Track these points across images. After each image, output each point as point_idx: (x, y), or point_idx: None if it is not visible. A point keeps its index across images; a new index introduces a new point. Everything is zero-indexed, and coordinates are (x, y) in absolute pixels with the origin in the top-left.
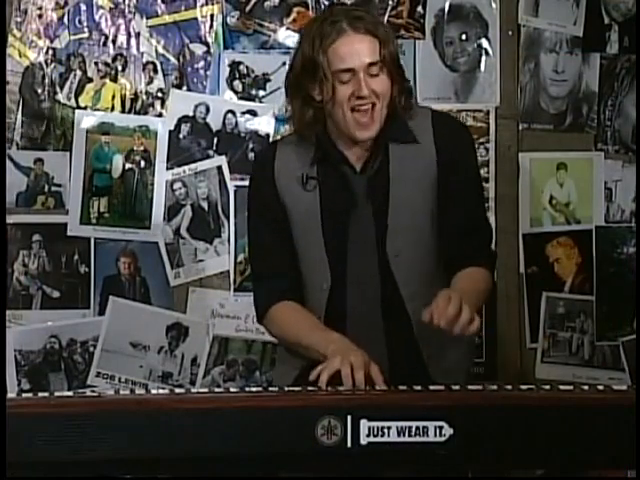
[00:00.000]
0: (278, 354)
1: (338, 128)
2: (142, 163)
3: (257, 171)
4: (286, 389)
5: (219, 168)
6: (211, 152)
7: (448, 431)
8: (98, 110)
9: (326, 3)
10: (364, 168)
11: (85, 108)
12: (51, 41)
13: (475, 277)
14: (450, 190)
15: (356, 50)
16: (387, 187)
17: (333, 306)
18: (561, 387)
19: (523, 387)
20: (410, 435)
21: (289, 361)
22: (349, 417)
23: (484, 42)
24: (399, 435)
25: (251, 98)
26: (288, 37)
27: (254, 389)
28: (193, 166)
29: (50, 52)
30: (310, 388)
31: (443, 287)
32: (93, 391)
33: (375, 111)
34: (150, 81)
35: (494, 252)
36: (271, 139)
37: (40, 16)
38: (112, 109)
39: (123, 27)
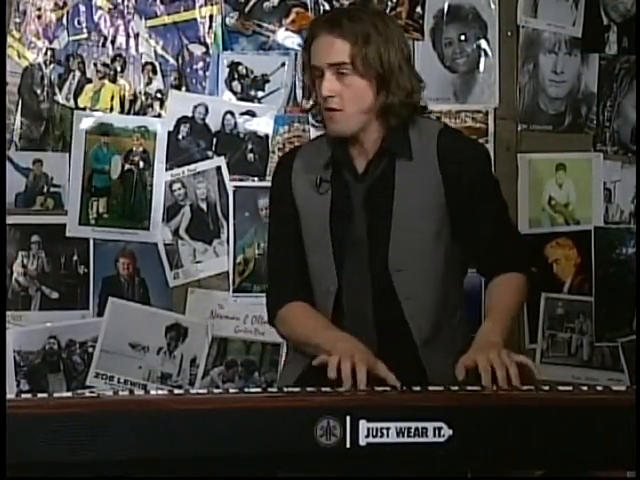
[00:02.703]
0: (285, 356)
1: None
2: (141, 164)
3: (276, 175)
4: (285, 390)
5: (218, 169)
6: (210, 153)
7: (447, 432)
8: (97, 111)
9: (325, 4)
10: (364, 176)
11: (84, 109)
12: (50, 42)
13: (513, 287)
14: (465, 206)
15: (323, 50)
16: (389, 200)
17: (340, 308)
18: (560, 388)
19: (522, 387)
20: (409, 436)
21: (294, 361)
22: (348, 418)
23: (483, 43)
24: (398, 436)
25: (250, 99)
26: (287, 38)
27: (253, 390)
28: (192, 167)
29: (49, 53)
30: (309, 389)
31: (446, 302)
32: (92, 392)
33: (343, 113)
34: (149, 82)
35: (530, 255)
36: (270, 140)
37: (39, 17)
38: (111, 110)
39: (122, 28)
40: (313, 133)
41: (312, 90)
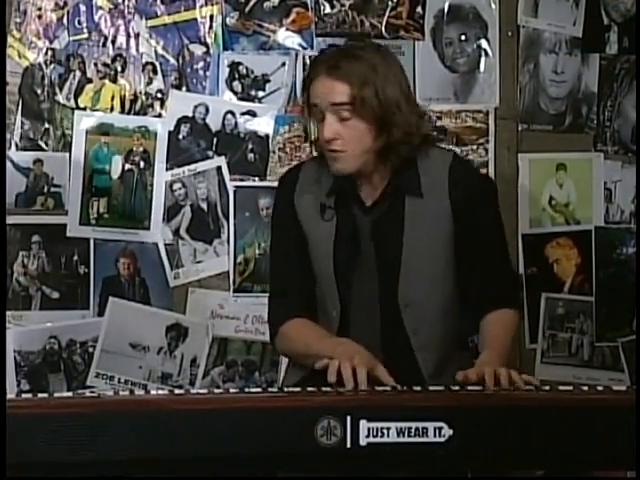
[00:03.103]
0: (287, 362)
1: None
2: (141, 164)
3: (280, 191)
4: (286, 390)
5: (218, 169)
6: (210, 153)
7: (447, 432)
8: (97, 111)
9: (325, 4)
10: (372, 209)
11: (84, 109)
12: (50, 42)
13: (506, 323)
14: (470, 241)
15: (323, 91)
16: (399, 234)
17: (344, 333)
18: (561, 388)
19: (522, 387)
20: (410, 436)
21: (296, 364)
22: (349, 418)
23: (483, 43)
24: (399, 436)
25: (250, 99)
26: (287, 38)
27: (253, 390)
28: (192, 167)
29: (49, 53)
30: (310, 389)
31: (455, 335)
32: (93, 392)
33: (346, 154)
34: (149, 82)
35: (518, 290)
36: (271, 140)
37: (39, 17)
38: (111, 110)
39: (122, 28)
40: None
41: (312, 126)
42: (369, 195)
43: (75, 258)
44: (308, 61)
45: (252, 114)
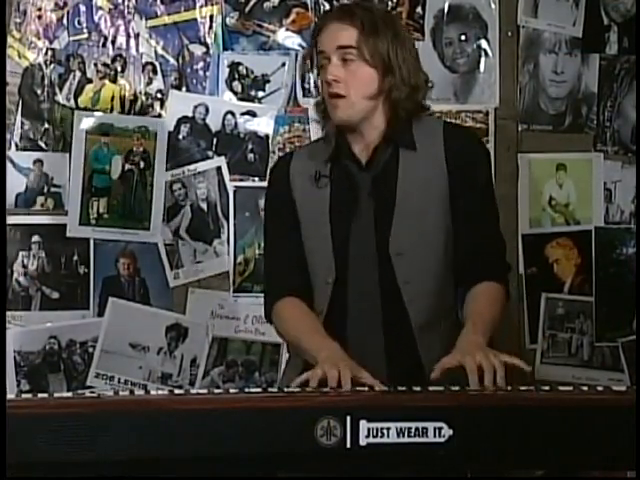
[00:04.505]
0: (287, 356)
1: None
2: (141, 164)
3: (273, 173)
4: (285, 390)
5: (218, 169)
6: (210, 153)
7: (447, 432)
8: (97, 111)
9: (326, 4)
10: (369, 165)
11: (84, 109)
12: (50, 42)
13: (491, 297)
14: (462, 206)
15: (331, 35)
16: (393, 187)
17: (336, 300)
18: (560, 388)
19: (522, 388)
20: (409, 436)
21: (295, 357)
22: (348, 418)
23: (483, 43)
24: (398, 436)
25: (250, 99)
26: (287, 38)
27: (253, 390)
28: (192, 167)
29: (49, 53)
30: (309, 389)
31: (447, 289)
32: (92, 392)
33: (346, 99)
34: (149, 82)
35: (508, 265)
36: (270, 140)
37: (39, 17)
38: (111, 110)
39: (122, 28)
40: (313, 133)
41: (319, 76)
42: (363, 151)
43: (75, 258)
44: None
45: (252, 114)
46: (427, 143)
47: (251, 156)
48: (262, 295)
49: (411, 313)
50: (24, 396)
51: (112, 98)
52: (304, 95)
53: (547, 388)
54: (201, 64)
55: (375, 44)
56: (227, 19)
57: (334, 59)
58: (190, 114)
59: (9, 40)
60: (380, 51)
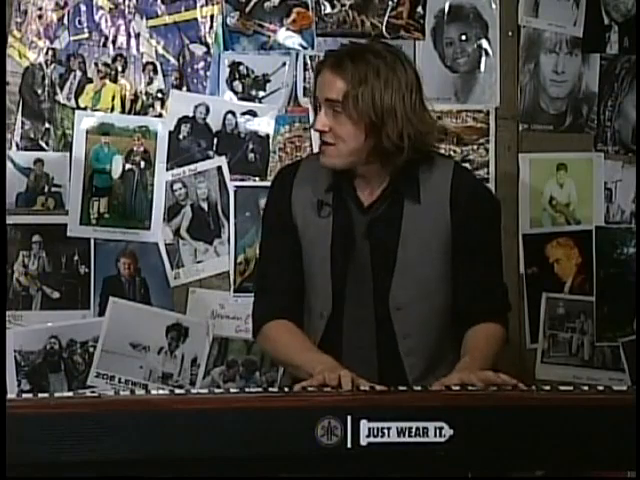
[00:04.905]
0: None
1: None
2: (142, 164)
3: (275, 187)
4: (286, 390)
5: (219, 169)
6: (211, 153)
7: (448, 432)
8: (98, 111)
9: (326, 4)
10: (369, 209)
11: (85, 109)
12: (51, 42)
13: (489, 334)
14: (465, 259)
15: (322, 85)
16: (394, 238)
17: (329, 334)
18: (561, 388)
19: (523, 388)
20: (410, 436)
21: None
22: (349, 418)
23: (484, 43)
24: (399, 436)
25: (251, 99)
26: (288, 38)
27: (254, 390)
28: (193, 167)
29: (50, 53)
30: (310, 389)
31: (445, 338)
32: (93, 392)
33: (334, 148)
34: (150, 82)
35: (509, 305)
36: (271, 139)
37: (40, 17)
38: (112, 110)
39: (123, 28)
40: (314, 133)
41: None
42: (367, 196)
43: (75, 258)
44: (309, 61)
45: (252, 114)
46: (433, 195)
47: (252, 156)
48: None
49: (407, 367)
50: (25, 396)
51: (113, 98)
52: (305, 95)
53: (548, 388)
54: (202, 64)
55: (359, 99)
56: (228, 19)
57: (324, 109)
58: (191, 114)
59: (10, 40)
60: (364, 106)
